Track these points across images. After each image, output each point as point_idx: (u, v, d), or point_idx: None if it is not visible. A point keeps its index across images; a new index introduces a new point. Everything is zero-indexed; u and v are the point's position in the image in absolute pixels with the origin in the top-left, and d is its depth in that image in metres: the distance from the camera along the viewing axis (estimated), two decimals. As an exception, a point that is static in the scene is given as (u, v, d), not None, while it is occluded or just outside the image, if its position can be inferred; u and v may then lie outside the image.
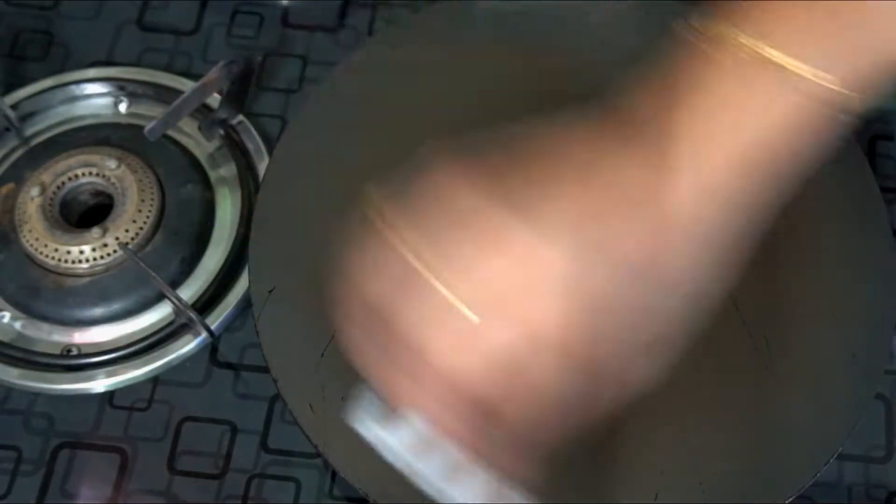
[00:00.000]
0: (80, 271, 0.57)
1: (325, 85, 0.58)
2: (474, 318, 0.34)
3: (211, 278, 0.58)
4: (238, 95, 0.61)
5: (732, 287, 0.50)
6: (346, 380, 0.49)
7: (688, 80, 0.34)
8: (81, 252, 0.57)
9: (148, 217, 0.58)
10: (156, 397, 0.55)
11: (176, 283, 0.57)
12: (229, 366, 0.56)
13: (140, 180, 0.58)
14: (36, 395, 0.55)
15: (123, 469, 0.53)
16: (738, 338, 0.51)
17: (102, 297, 0.57)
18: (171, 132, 0.61)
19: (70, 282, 0.57)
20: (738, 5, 0.35)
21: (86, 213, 0.60)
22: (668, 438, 0.49)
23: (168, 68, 0.64)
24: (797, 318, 0.51)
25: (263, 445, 0.54)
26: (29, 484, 0.53)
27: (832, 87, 0.33)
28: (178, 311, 0.56)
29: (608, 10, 0.59)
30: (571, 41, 0.59)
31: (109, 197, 0.59)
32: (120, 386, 0.55)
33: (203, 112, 0.62)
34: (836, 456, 0.48)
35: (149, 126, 0.58)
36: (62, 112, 0.63)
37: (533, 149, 0.36)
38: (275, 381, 0.50)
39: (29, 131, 0.62)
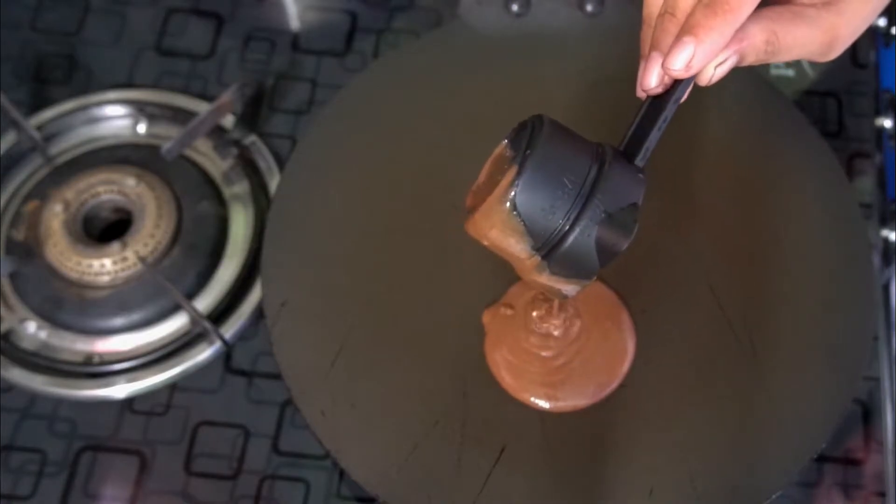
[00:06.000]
0: (102, 283, 0.59)
1: (331, 107, 0.60)
2: None
3: (225, 290, 0.59)
4: (251, 117, 0.63)
5: (720, 295, 0.51)
6: (355, 387, 0.51)
7: None
8: (103, 265, 0.58)
9: (165, 232, 0.59)
10: (173, 403, 0.57)
11: (192, 295, 0.59)
12: (242, 373, 0.57)
13: (158, 197, 0.60)
14: (60, 400, 0.57)
15: (142, 471, 0.55)
16: (724, 341, 0.52)
17: (123, 307, 0.59)
18: (187, 151, 0.63)
19: (92, 293, 0.59)
20: None
21: (107, 229, 0.61)
22: (661, 437, 0.50)
23: (184, 91, 0.66)
24: (780, 322, 0.53)
25: (275, 448, 0.55)
26: (53, 485, 0.54)
27: None
28: (194, 322, 0.58)
29: (587, 31, 0.61)
30: (557, 60, 0.60)
31: (129, 213, 0.60)
32: (139, 392, 0.57)
33: (217, 132, 0.63)
34: (816, 457, 0.50)
35: (166, 146, 0.60)
36: (84, 133, 0.65)
37: None
38: (288, 389, 0.52)
39: (53, 151, 0.64)
